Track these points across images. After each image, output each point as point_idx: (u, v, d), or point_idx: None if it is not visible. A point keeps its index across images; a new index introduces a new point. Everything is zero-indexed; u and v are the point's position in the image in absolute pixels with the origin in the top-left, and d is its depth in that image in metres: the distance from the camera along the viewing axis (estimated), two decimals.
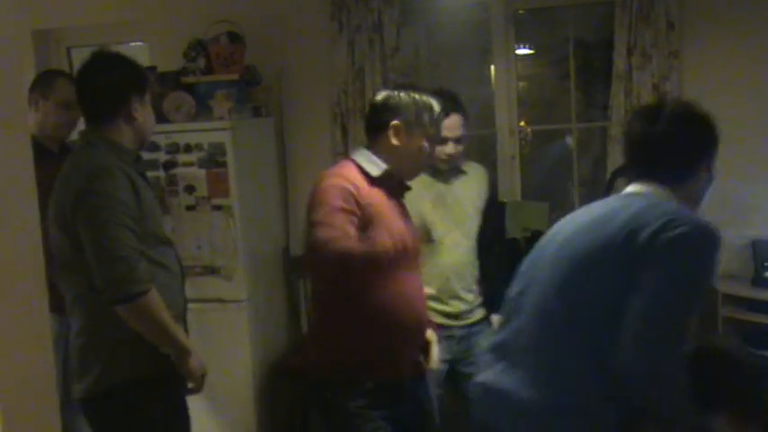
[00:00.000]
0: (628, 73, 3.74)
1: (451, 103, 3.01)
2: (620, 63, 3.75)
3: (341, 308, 2.32)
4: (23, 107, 1.35)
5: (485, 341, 3.03)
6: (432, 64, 4.49)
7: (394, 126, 2.36)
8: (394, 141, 2.37)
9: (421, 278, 2.47)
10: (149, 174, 3.58)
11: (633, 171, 2.03)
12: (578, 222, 1.98)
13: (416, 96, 2.40)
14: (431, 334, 2.52)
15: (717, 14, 3.75)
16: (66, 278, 2.30)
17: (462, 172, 3.16)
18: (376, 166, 2.37)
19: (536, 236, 3.83)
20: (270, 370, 3.87)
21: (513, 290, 2.00)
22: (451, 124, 2.97)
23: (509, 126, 4.10)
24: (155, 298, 2.23)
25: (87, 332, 2.32)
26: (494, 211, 3.26)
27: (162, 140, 3.65)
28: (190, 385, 2.44)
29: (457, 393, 3.14)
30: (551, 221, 4.00)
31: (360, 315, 2.29)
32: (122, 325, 2.22)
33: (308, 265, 2.37)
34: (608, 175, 3.71)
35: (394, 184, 2.42)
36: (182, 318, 2.46)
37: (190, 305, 3.61)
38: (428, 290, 2.66)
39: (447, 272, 3.03)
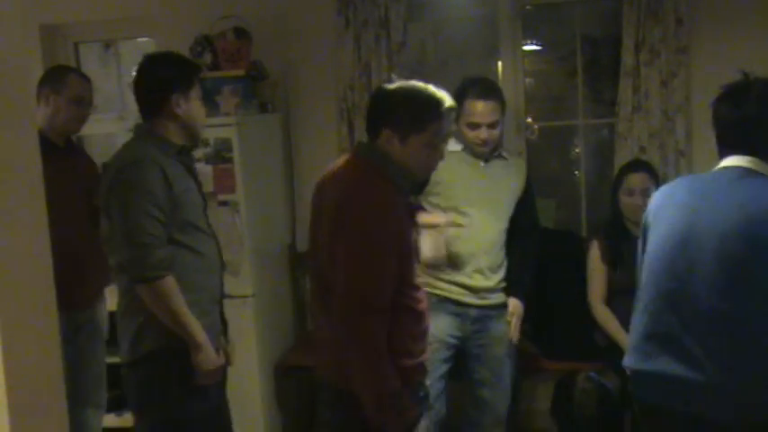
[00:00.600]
0: (636, 69, 3.73)
1: (485, 88, 3.09)
2: (627, 59, 3.73)
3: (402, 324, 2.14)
4: (31, 102, 1.35)
5: (503, 326, 3.13)
6: (438, 60, 4.48)
7: (386, 135, 2.11)
8: (388, 148, 2.13)
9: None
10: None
11: (726, 149, 2.23)
12: (721, 210, 2.08)
13: (418, 93, 2.13)
14: None
15: (725, 11, 3.73)
16: (109, 254, 2.55)
17: (503, 158, 3.23)
18: (403, 177, 2.14)
19: (543, 232, 3.83)
20: (276, 365, 3.87)
21: (664, 285, 2.13)
22: (484, 110, 3.04)
23: (516, 122, 4.09)
24: (170, 285, 2.39)
25: (122, 305, 2.55)
26: (529, 205, 3.32)
27: None
28: (198, 378, 2.49)
29: (461, 373, 3.15)
30: (558, 218, 4.02)
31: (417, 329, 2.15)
32: (142, 305, 2.42)
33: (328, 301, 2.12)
34: (615, 171, 3.69)
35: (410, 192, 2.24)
36: (217, 302, 2.64)
37: None
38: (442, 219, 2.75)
39: (474, 248, 3.07)
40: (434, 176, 2.98)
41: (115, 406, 4.00)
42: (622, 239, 3.43)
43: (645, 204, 3.36)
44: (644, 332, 2.20)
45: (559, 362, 3.56)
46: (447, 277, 3.08)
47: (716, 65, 3.76)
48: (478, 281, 3.09)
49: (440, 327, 3.05)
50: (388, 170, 2.11)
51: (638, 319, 2.25)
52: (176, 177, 2.47)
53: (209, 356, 2.48)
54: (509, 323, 3.14)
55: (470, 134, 3.08)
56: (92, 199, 3.32)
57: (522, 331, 3.77)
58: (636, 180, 3.38)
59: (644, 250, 2.33)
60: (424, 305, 2.19)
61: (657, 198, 2.37)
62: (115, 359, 3.90)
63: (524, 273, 3.21)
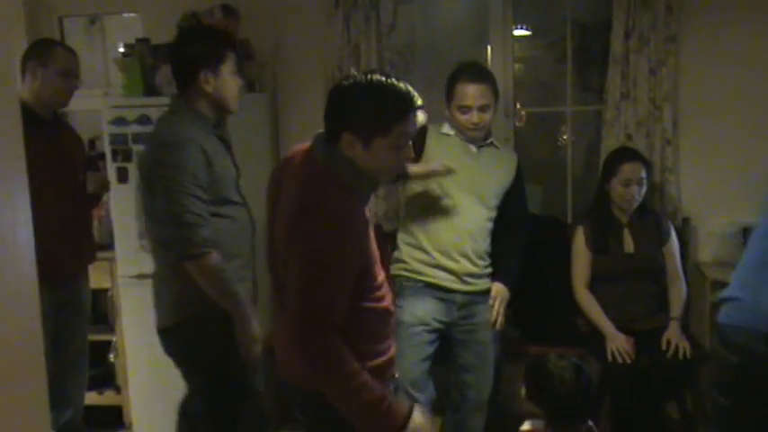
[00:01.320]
0: (625, 56, 3.73)
1: (476, 71, 3.09)
2: (617, 46, 3.73)
3: (363, 325, 2.02)
4: (15, 76, 1.32)
5: (488, 312, 3.15)
6: (428, 43, 4.46)
7: (346, 139, 1.92)
8: (351, 153, 1.93)
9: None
10: (141, 146, 3.61)
11: None
12: None
13: (381, 91, 1.90)
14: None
15: (715, 0, 3.73)
16: (150, 228, 2.65)
17: (495, 147, 3.23)
18: (366, 185, 1.98)
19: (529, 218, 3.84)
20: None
21: None
22: (475, 92, 3.03)
23: (504, 108, 4.08)
24: (215, 261, 2.49)
25: (158, 276, 2.69)
26: (519, 195, 3.30)
27: (154, 114, 3.60)
28: (240, 348, 2.60)
29: (445, 358, 3.17)
30: (543, 203, 4.03)
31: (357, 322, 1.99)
32: (183, 274, 2.51)
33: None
34: (602, 158, 3.70)
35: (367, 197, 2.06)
36: (250, 266, 2.73)
37: None
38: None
39: (460, 233, 3.07)
40: (426, 158, 3.00)
41: (97, 384, 4.00)
42: (608, 226, 3.45)
43: (639, 194, 3.39)
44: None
45: (542, 346, 3.58)
46: (433, 262, 3.07)
47: (704, 54, 3.77)
48: (464, 266, 3.08)
49: (425, 309, 3.07)
50: (348, 178, 1.93)
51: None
52: (215, 156, 2.56)
53: (251, 328, 2.58)
54: (492, 307, 3.14)
55: (461, 118, 3.07)
56: (77, 174, 3.30)
57: (506, 316, 3.79)
58: (632, 170, 3.39)
59: None
60: (387, 301, 2.07)
61: None
62: (99, 337, 3.94)
63: (511, 260, 3.21)
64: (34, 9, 4.39)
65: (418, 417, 1.96)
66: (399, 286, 3.13)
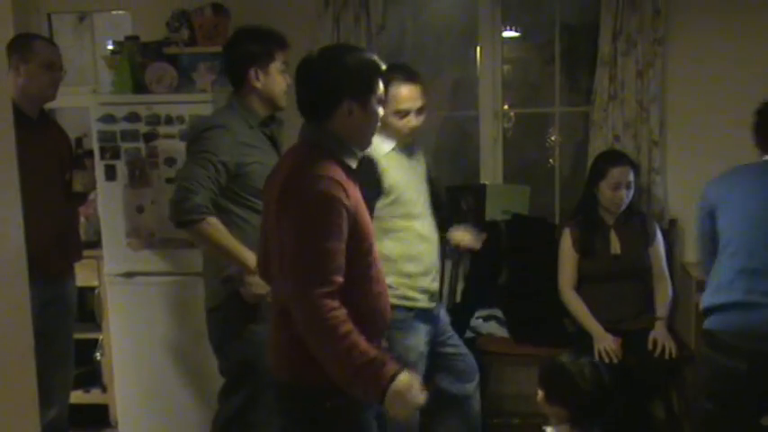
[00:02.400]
0: (612, 58, 3.75)
1: (408, 71, 2.91)
2: (605, 48, 3.75)
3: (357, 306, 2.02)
4: (4, 72, 1.32)
5: (443, 309, 3.16)
6: (417, 44, 4.47)
7: (346, 106, 2.01)
8: (348, 119, 2.02)
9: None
10: (130, 144, 3.61)
11: None
12: None
13: (361, 57, 2.05)
14: None
15: (702, 2, 3.77)
16: None
17: (414, 150, 3.07)
18: (353, 157, 2.07)
19: (516, 218, 3.86)
20: None
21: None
22: (412, 94, 2.86)
23: (492, 109, 4.10)
24: (210, 227, 2.61)
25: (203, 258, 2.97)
26: (437, 181, 3.30)
27: (143, 111, 3.61)
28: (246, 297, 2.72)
29: (436, 378, 3.09)
30: (532, 204, 4.05)
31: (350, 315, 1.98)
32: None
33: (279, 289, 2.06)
34: (590, 160, 3.72)
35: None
36: None
37: (168, 278, 3.61)
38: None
39: (429, 247, 2.98)
40: (387, 185, 2.84)
41: (84, 382, 3.98)
42: (596, 229, 3.47)
43: (628, 197, 3.41)
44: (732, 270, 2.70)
45: (529, 347, 3.59)
46: (414, 284, 2.94)
47: (691, 57, 3.80)
48: (435, 283, 3.03)
49: (421, 339, 2.97)
50: (337, 149, 2.02)
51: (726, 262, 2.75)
52: (252, 149, 2.71)
53: (260, 282, 2.52)
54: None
55: (399, 123, 2.86)
56: (63, 172, 3.29)
57: (493, 316, 3.81)
58: (621, 174, 3.41)
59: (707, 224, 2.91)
60: (377, 269, 2.10)
61: (721, 185, 2.90)
62: (85, 335, 3.93)
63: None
64: (23, 5, 4.36)
65: (405, 377, 1.94)
66: (392, 321, 3.03)
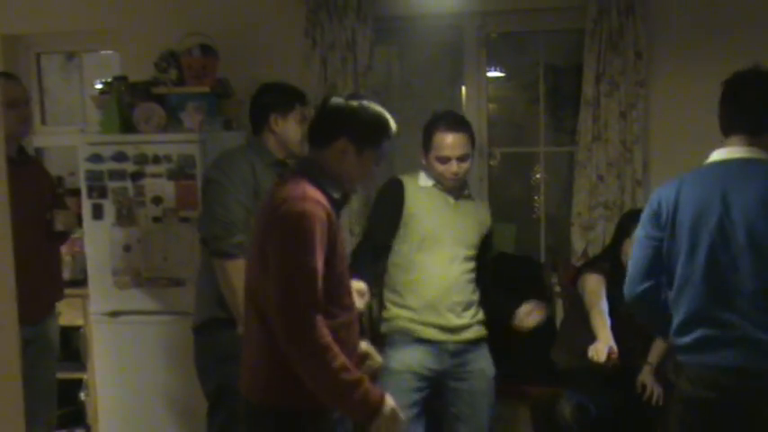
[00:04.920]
0: (596, 99, 3.81)
1: (454, 120, 3.09)
2: (588, 90, 3.81)
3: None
4: None
5: (482, 360, 3.11)
6: (404, 84, 4.53)
7: (342, 144, 2.16)
8: (341, 156, 2.17)
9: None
10: (117, 184, 3.61)
11: (739, 132, 2.53)
12: (748, 205, 2.32)
13: (378, 111, 2.22)
14: (364, 345, 2.40)
15: (683, 45, 3.84)
16: (199, 230, 3.03)
17: (471, 198, 3.23)
18: (336, 189, 2.18)
19: (502, 257, 3.88)
20: None
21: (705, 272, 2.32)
22: (454, 142, 3.02)
23: (478, 147, 4.13)
24: (240, 267, 2.61)
25: (198, 275, 3.11)
26: (491, 244, 3.34)
27: (130, 151, 3.62)
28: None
29: (437, 408, 3.11)
30: (518, 242, 4.07)
31: (340, 340, 2.08)
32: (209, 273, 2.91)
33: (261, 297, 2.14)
34: (575, 198, 3.74)
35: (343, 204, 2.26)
36: None
37: (155, 317, 3.60)
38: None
39: (444, 284, 3.03)
40: (407, 210, 3.00)
41: (68, 422, 3.93)
42: (620, 283, 3.39)
43: None
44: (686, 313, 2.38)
45: (517, 384, 3.59)
46: (420, 319, 3.02)
47: (673, 98, 3.86)
48: (451, 319, 3.04)
49: (415, 358, 3.01)
50: (321, 180, 2.16)
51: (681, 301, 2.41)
52: (264, 184, 2.86)
53: None
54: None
55: (440, 167, 3.04)
56: (43, 211, 3.24)
57: None
58: None
59: (654, 236, 2.48)
60: (350, 316, 2.20)
61: (670, 193, 2.53)
62: (70, 375, 3.89)
63: (503, 303, 3.26)
64: (11, 45, 4.40)
65: (391, 403, 2.07)
66: (390, 340, 3.10)
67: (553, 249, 4.13)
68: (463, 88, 4.19)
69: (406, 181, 3.11)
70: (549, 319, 3.53)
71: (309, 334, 1.98)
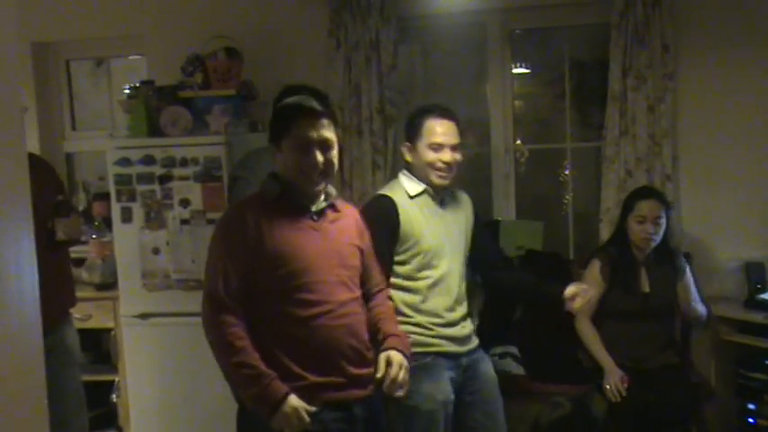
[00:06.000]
0: (623, 94, 3.77)
1: (444, 109, 2.90)
2: (615, 84, 3.77)
3: (281, 332, 2.22)
4: (21, 120, 1.35)
5: (488, 365, 2.98)
6: (428, 82, 4.51)
7: (272, 147, 2.43)
8: (278, 160, 2.39)
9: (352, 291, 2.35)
10: (145, 187, 3.65)
11: None
12: None
13: (281, 105, 2.42)
14: (395, 354, 2.34)
15: (711, 37, 3.79)
16: None
17: (453, 196, 3.03)
18: (273, 184, 2.40)
19: (530, 254, 3.85)
20: None
21: None
22: (448, 129, 2.85)
23: (504, 145, 4.12)
24: None
25: None
26: (489, 236, 3.17)
27: (158, 154, 3.66)
28: None
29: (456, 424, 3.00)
30: (546, 239, 4.04)
31: (300, 338, 2.21)
32: None
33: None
34: (603, 194, 3.71)
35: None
36: None
37: (184, 319, 3.62)
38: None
39: (454, 298, 2.90)
40: (403, 230, 2.80)
41: (100, 424, 3.98)
42: (625, 264, 3.41)
43: (655, 232, 3.37)
44: None
45: (544, 383, 3.56)
46: (438, 332, 2.87)
47: (702, 91, 3.81)
48: (467, 329, 2.94)
49: (441, 389, 2.84)
50: (264, 183, 2.35)
51: None
52: None
53: None
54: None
55: (431, 156, 2.83)
56: (44, 220, 3.13)
57: (508, 353, 3.78)
58: (647, 208, 3.34)
59: None
60: (312, 312, 2.23)
61: None
62: (101, 377, 3.93)
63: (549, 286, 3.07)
64: (42, 53, 4.47)
65: (294, 402, 2.14)
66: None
67: (581, 246, 4.09)
68: (488, 85, 4.17)
69: (395, 196, 2.86)
70: None
71: (210, 327, 2.21)
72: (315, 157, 2.25)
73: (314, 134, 2.26)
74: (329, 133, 2.30)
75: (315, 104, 2.29)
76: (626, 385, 3.20)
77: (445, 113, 2.88)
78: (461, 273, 2.97)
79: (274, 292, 2.22)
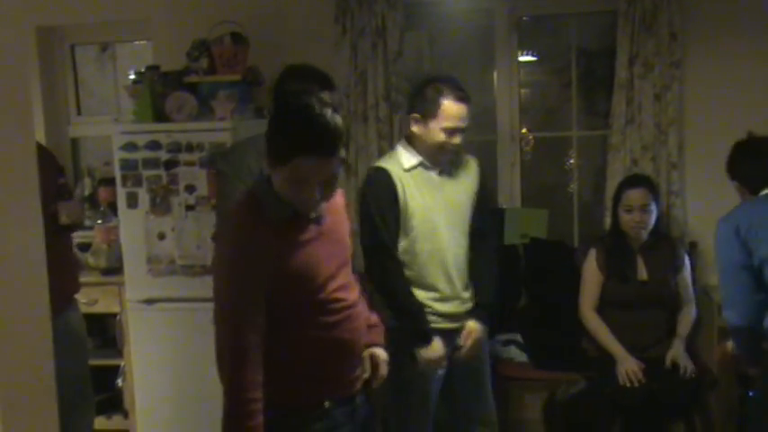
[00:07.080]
0: (629, 82, 3.75)
1: (462, 90, 2.86)
2: (622, 72, 3.76)
3: (291, 329, 2.11)
4: (28, 104, 1.36)
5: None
6: (434, 68, 4.49)
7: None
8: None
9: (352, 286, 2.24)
10: (150, 173, 3.66)
11: None
12: None
13: (287, 122, 2.02)
14: (380, 351, 2.32)
15: (718, 25, 3.77)
16: None
17: (457, 162, 2.97)
18: (281, 207, 2.09)
19: (535, 242, 3.85)
20: None
21: None
22: (465, 114, 2.83)
23: (510, 132, 4.11)
24: None
25: None
26: (485, 206, 3.06)
27: (163, 139, 3.66)
28: None
29: (446, 398, 3.04)
30: (551, 228, 4.04)
31: (309, 336, 2.10)
32: None
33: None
34: (608, 183, 3.71)
35: None
36: None
37: (189, 304, 3.63)
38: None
39: (451, 270, 2.88)
40: (400, 202, 2.81)
41: (106, 408, 4.00)
42: (622, 252, 3.43)
43: (643, 221, 3.38)
44: None
45: (549, 372, 3.57)
46: (433, 308, 2.88)
47: (709, 79, 3.79)
48: (459, 307, 2.92)
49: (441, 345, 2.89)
50: (265, 200, 2.04)
51: None
52: None
53: None
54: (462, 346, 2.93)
55: (443, 138, 2.80)
56: (46, 205, 3.10)
57: (512, 341, 3.79)
58: (634, 197, 3.37)
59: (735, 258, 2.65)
60: (345, 328, 2.13)
61: (743, 218, 2.65)
62: (107, 362, 3.95)
63: (488, 287, 2.99)
64: (46, 37, 4.46)
65: None
66: None
67: (586, 235, 4.09)
68: (495, 73, 4.16)
69: (391, 168, 2.85)
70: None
71: (224, 342, 2.10)
72: (314, 194, 2.00)
73: (318, 176, 1.97)
74: (335, 167, 2.02)
75: (327, 141, 1.96)
76: (638, 369, 3.22)
77: (463, 97, 2.83)
78: (461, 243, 2.93)
79: (298, 306, 2.08)
